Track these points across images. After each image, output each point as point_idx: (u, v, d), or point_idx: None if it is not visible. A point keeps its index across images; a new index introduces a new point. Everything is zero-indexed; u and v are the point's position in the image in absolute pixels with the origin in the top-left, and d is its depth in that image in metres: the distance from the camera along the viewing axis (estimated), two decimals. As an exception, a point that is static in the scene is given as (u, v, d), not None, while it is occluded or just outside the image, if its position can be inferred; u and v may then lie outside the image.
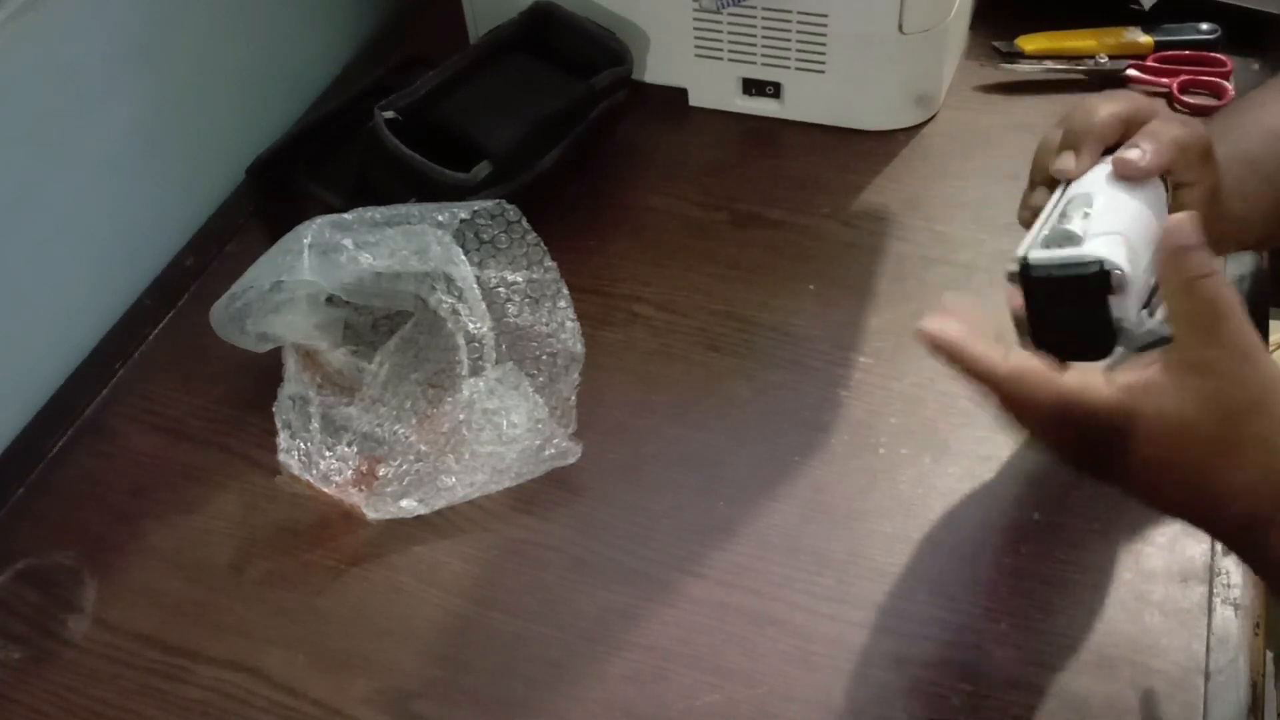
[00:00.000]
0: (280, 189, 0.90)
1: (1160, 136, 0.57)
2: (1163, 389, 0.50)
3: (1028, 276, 0.52)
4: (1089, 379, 0.52)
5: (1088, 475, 0.56)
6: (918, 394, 0.75)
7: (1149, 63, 0.94)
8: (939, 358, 0.55)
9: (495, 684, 0.65)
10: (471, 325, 0.71)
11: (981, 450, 0.72)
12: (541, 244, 0.74)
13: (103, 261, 0.86)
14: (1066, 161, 0.58)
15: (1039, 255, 0.52)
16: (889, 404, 0.75)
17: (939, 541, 0.68)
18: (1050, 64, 0.95)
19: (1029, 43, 0.96)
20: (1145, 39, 0.95)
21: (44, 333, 0.82)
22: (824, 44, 0.90)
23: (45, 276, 0.81)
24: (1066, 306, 0.52)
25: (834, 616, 0.65)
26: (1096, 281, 0.51)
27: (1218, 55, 0.94)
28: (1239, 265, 0.81)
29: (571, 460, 0.71)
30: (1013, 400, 0.53)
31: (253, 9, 0.95)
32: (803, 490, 0.71)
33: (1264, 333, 0.77)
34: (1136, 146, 0.56)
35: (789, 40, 0.90)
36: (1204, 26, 0.96)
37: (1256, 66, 0.95)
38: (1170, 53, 0.95)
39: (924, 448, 0.72)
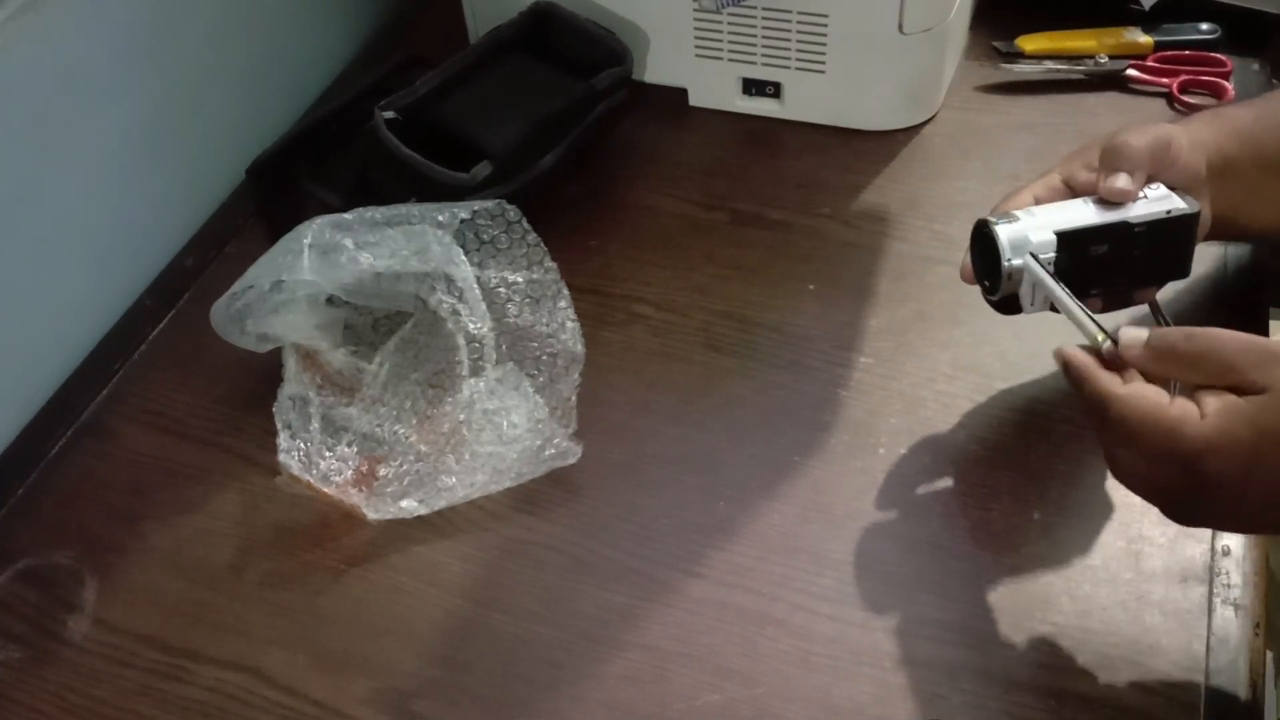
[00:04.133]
0: (280, 189, 0.90)
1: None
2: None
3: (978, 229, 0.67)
4: (1190, 407, 0.54)
5: (1186, 512, 0.56)
6: (918, 394, 0.75)
7: (1149, 63, 0.94)
8: (1070, 377, 0.59)
9: (495, 684, 0.65)
10: (471, 325, 0.71)
11: (981, 451, 0.72)
12: (541, 244, 0.74)
13: (103, 261, 0.86)
14: (1120, 182, 0.63)
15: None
16: (889, 404, 0.75)
17: (939, 541, 0.68)
18: (1050, 64, 0.95)
19: (1029, 43, 0.96)
20: (1145, 39, 0.95)
21: (44, 333, 0.82)
22: (824, 44, 0.90)
23: (45, 276, 0.81)
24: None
25: (834, 616, 0.66)
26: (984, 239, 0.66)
27: (1218, 55, 0.94)
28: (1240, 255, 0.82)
29: (572, 460, 0.71)
30: (1124, 420, 0.55)
31: (253, 9, 0.95)
32: (803, 490, 0.71)
33: (1263, 332, 0.78)
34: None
35: (789, 40, 0.90)
36: (1204, 26, 0.96)
37: (1256, 66, 0.95)
38: (1170, 53, 0.95)
39: (924, 448, 0.72)
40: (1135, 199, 0.64)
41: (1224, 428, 0.52)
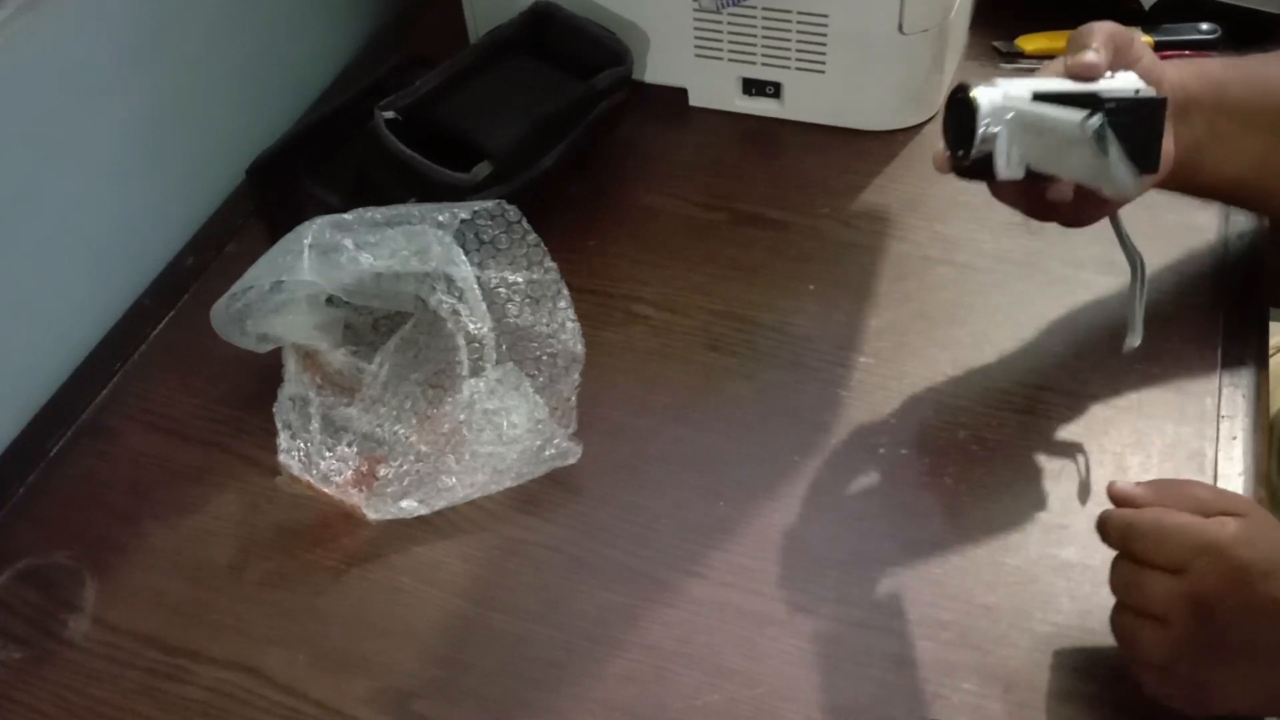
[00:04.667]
0: (280, 189, 0.90)
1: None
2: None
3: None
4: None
5: (1214, 632, 0.56)
6: (918, 394, 0.75)
7: (1149, 63, 0.94)
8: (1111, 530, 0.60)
9: (495, 684, 0.65)
10: (472, 326, 0.71)
11: (981, 451, 0.72)
12: (541, 244, 0.74)
13: (103, 262, 0.86)
14: (1088, 56, 0.66)
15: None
16: (889, 404, 0.75)
17: (939, 541, 0.68)
18: (1050, 64, 0.95)
19: (1029, 43, 0.96)
20: (1145, 39, 0.95)
21: (44, 333, 0.82)
22: (824, 44, 0.90)
23: (46, 276, 0.81)
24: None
25: (834, 616, 0.66)
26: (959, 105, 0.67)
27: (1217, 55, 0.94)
28: (1239, 225, 0.82)
29: (572, 460, 0.71)
30: (1156, 525, 0.58)
31: (253, 9, 0.95)
32: (803, 490, 0.71)
33: (1263, 332, 0.77)
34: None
35: (789, 40, 0.90)
36: (1204, 26, 0.96)
37: (1256, 66, 0.95)
38: (1170, 52, 0.95)
39: (924, 448, 0.72)
40: (1102, 74, 0.66)
41: (1249, 524, 0.56)
